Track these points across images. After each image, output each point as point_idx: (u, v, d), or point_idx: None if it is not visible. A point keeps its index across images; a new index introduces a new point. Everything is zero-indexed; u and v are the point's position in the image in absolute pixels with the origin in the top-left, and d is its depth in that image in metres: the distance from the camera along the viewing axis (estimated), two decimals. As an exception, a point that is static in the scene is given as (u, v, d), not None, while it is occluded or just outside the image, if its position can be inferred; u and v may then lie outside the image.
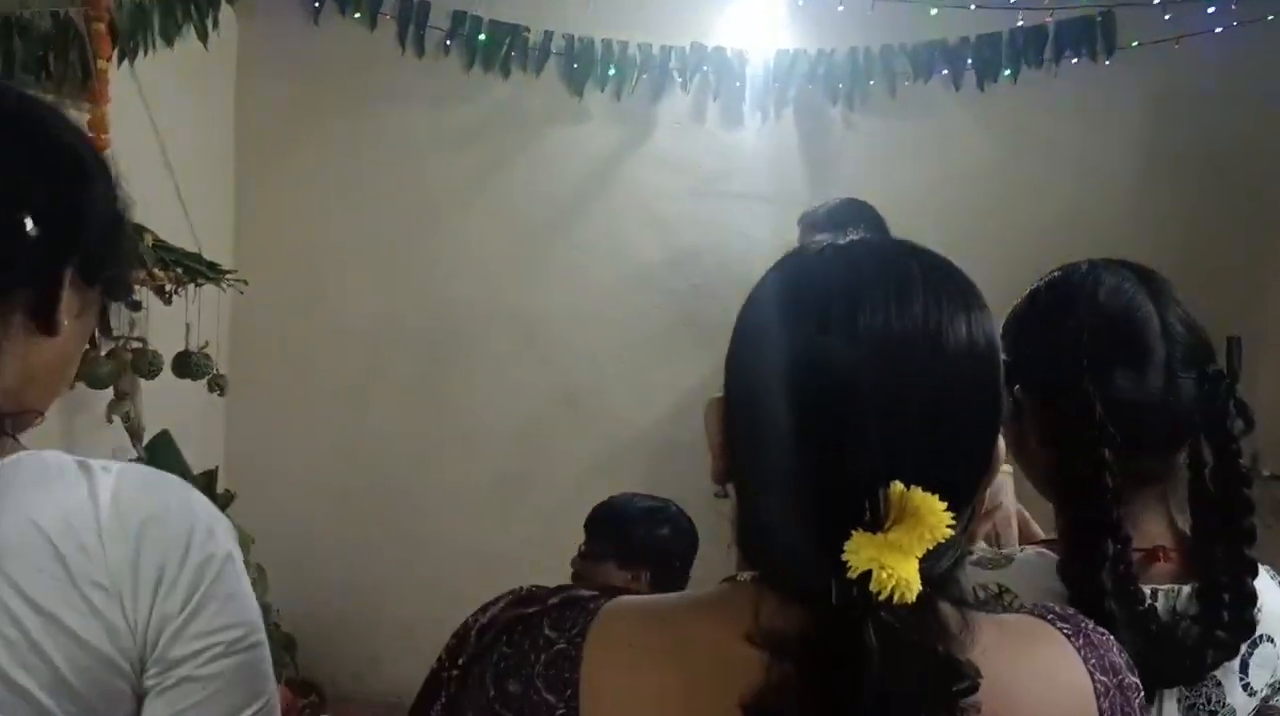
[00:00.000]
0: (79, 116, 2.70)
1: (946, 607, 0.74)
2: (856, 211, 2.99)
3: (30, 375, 0.88)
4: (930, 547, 0.68)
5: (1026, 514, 1.57)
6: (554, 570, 3.26)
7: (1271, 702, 1.17)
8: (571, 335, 3.72)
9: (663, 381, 3.69)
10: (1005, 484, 1.47)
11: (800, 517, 0.72)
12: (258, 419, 3.69)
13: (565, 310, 3.72)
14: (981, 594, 1.13)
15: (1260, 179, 3.32)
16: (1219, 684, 1.12)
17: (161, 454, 2.82)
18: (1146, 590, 1.11)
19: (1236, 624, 1.10)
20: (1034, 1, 3.38)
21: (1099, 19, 3.41)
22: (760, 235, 3.60)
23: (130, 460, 2.77)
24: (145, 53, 2.95)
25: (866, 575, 0.67)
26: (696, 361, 3.66)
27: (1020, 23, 3.43)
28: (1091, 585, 1.09)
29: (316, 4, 3.52)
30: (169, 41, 3.07)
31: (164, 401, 2.88)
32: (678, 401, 3.70)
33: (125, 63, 2.86)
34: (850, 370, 0.72)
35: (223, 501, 2.82)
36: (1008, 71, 3.48)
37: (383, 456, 3.76)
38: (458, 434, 3.76)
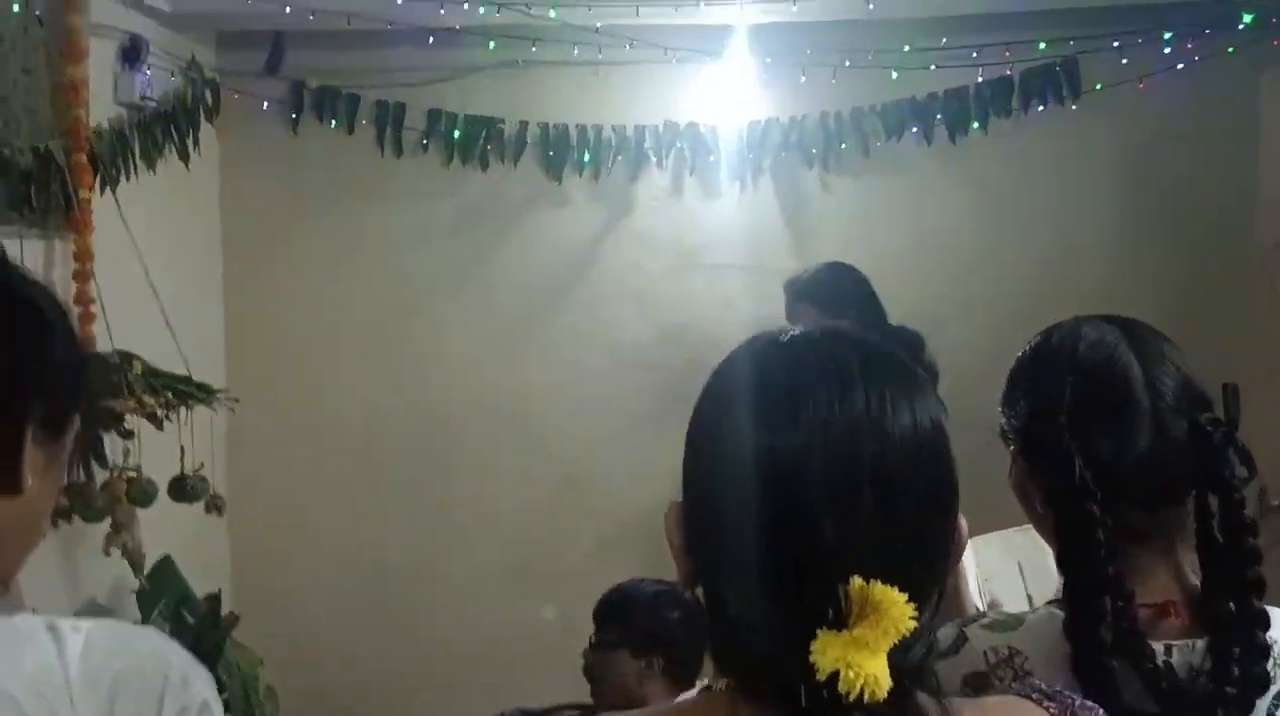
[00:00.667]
0: (63, 248, 2.74)
1: (924, 699, 0.74)
2: (841, 275, 3.00)
3: None
4: (897, 641, 0.68)
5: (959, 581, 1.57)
6: (563, 658, 3.25)
7: None
8: (564, 419, 3.71)
9: (660, 459, 3.59)
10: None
11: (765, 620, 0.72)
12: (260, 534, 3.67)
13: (557, 395, 3.71)
14: (992, 657, 1.12)
15: (1234, 207, 3.34)
16: None
17: (164, 580, 2.80)
18: (1160, 646, 1.10)
19: (1247, 678, 1.08)
20: (995, 54, 3.42)
21: (1061, 65, 3.46)
22: (746, 305, 3.62)
23: (134, 590, 2.75)
24: (127, 178, 2.98)
25: (836, 675, 0.66)
26: (693, 436, 3.64)
27: (981, 78, 3.47)
28: (1093, 642, 1.08)
29: (294, 115, 3.57)
30: (150, 165, 3.10)
31: (164, 526, 2.85)
32: (677, 477, 3.66)
33: (108, 190, 2.88)
34: (798, 467, 0.73)
35: (228, 624, 2.79)
36: (976, 124, 3.52)
37: (383, 557, 3.73)
38: (456, 527, 3.73)
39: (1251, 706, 1.09)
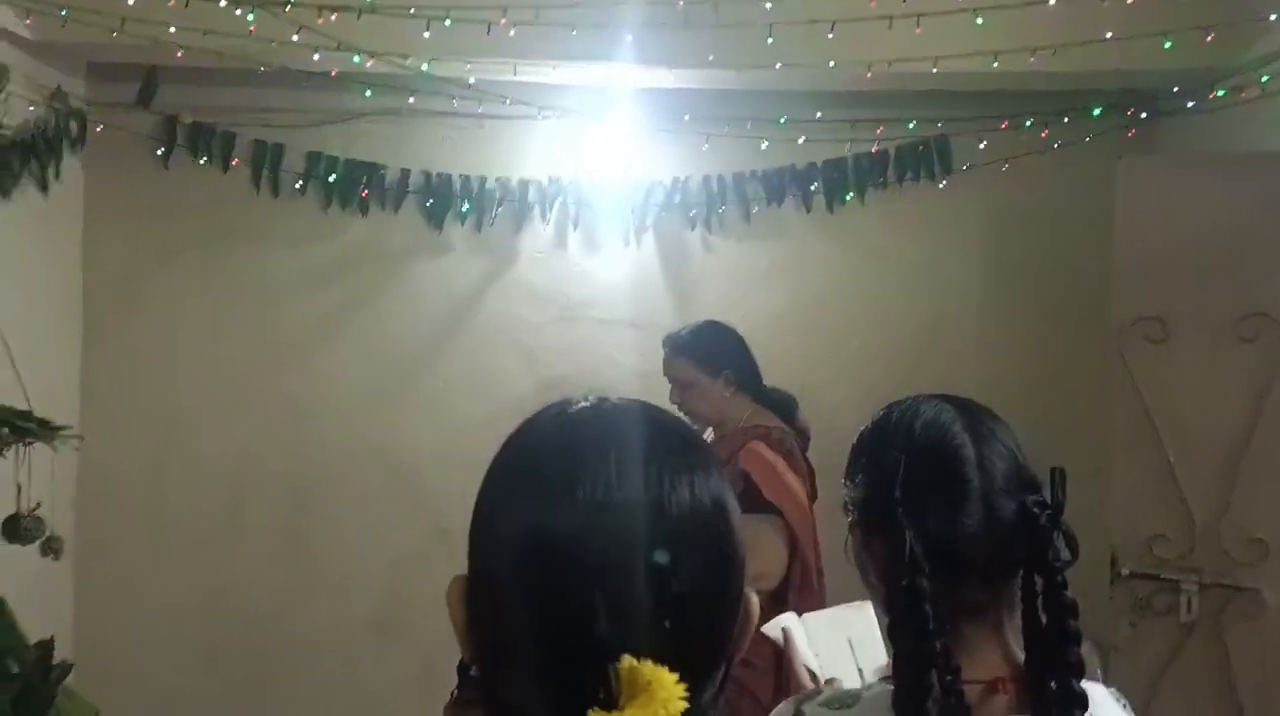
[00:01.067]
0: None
1: None
2: (718, 333, 3.03)
3: None
4: None
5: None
6: (434, 714, 3.12)
7: None
8: (442, 471, 3.65)
9: (538, 512, 3.62)
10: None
11: (536, 700, 0.71)
12: (111, 580, 3.52)
13: (434, 446, 3.66)
14: None
15: (1093, 282, 3.48)
16: None
17: (-8, 626, 2.64)
18: None
19: None
20: (867, 129, 3.54)
21: (934, 144, 3.58)
22: (628, 359, 3.63)
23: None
24: (-22, 206, 2.88)
25: None
26: (571, 490, 3.61)
27: (849, 148, 3.58)
28: None
29: (166, 151, 3.48)
30: (5, 194, 2.99)
31: (4, 568, 2.71)
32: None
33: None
34: (571, 543, 0.71)
35: (59, 673, 2.63)
36: (852, 194, 3.61)
37: (248, 608, 3.61)
38: (327, 579, 3.63)
39: None
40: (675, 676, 0.66)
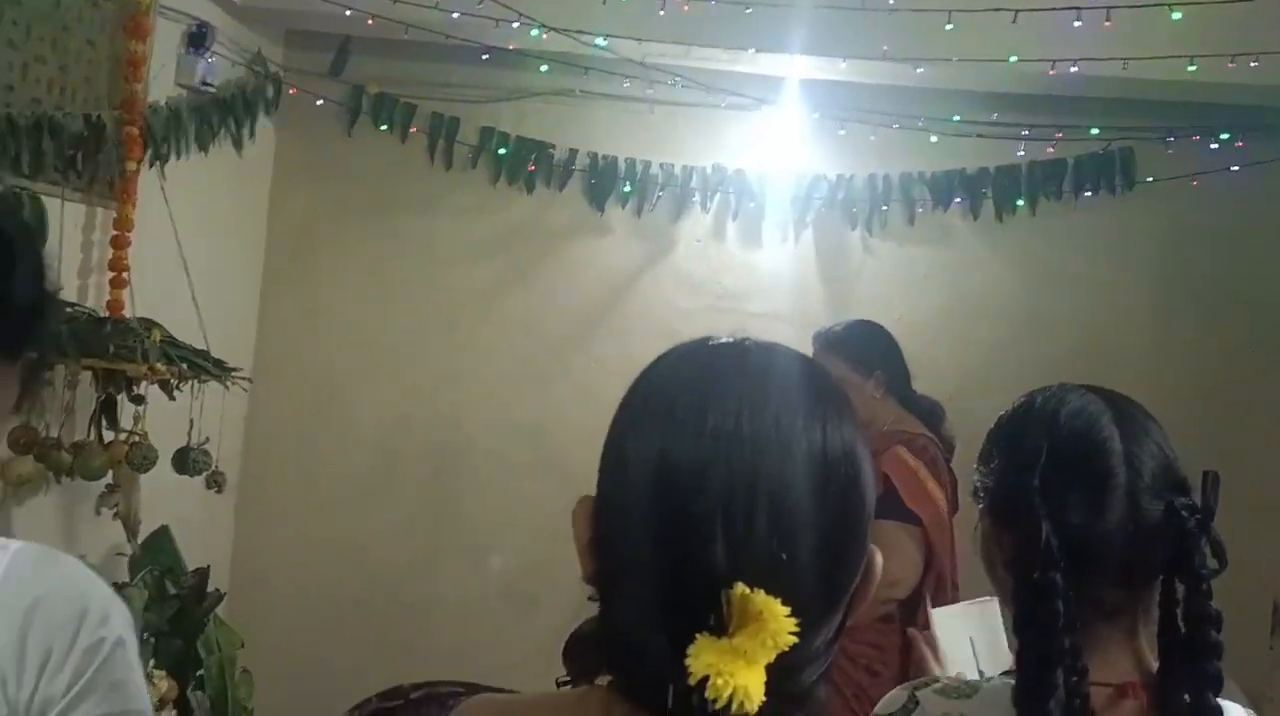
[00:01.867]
0: (104, 215, 2.82)
1: None
2: (872, 332, 2.99)
3: None
4: (777, 656, 0.66)
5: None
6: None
7: None
8: (584, 450, 3.62)
9: (675, 499, 3.64)
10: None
11: (650, 621, 0.71)
12: (266, 520, 3.71)
13: (579, 424, 3.71)
14: None
15: (1271, 313, 3.27)
16: None
17: (158, 549, 2.83)
18: None
19: None
20: (1044, 134, 3.41)
21: (1118, 155, 3.42)
22: (778, 355, 3.60)
23: (126, 555, 2.78)
24: (178, 157, 3.07)
25: (706, 681, 0.65)
26: (710, 479, 3.61)
27: (1021, 154, 3.45)
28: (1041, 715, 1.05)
29: (351, 118, 3.65)
30: (203, 148, 3.19)
31: (169, 499, 2.90)
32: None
33: (156, 165, 2.97)
34: (697, 472, 0.72)
35: (212, 601, 2.81)
36: (1023, 202, 3.49)
37: (388, 564, 3.74)
38: (466, 544, 3.74)
39: None
40: (787, 610, 0.67)
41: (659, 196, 3.66)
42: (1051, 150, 3.47)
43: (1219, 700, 1.10)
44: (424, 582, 3.72)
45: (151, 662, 2.48)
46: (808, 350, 3.47)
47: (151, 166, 2.93)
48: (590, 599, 0.82)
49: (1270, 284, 3.30)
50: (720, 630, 0.67)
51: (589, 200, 3.70)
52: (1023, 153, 3.46)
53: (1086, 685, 1.06)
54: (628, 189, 3.64)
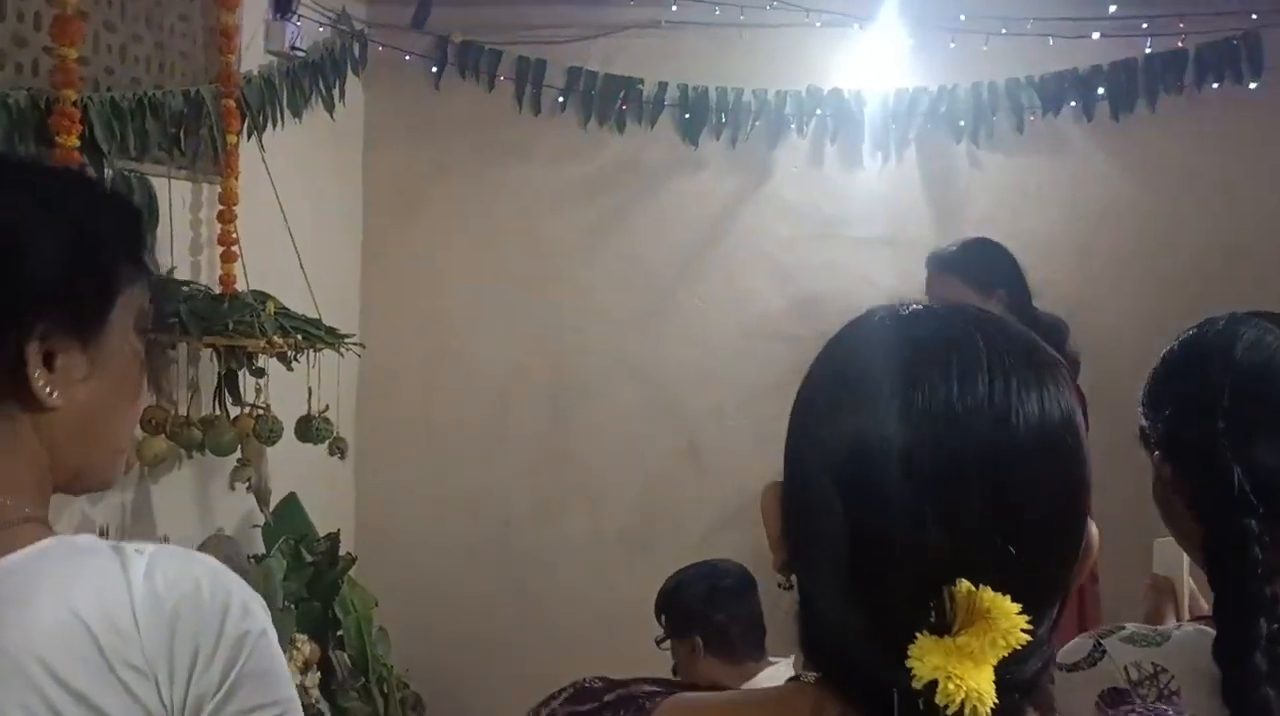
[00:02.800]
0: (210, 191, 2.84)
1: None
2: (991, 250, 2.89)
3: (44, 455, 0.89)
4: (1006, 654, 0.61)
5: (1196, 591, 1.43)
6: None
7: None
8: (694, 387, 3.68)
9: (785, 432, 3.60)
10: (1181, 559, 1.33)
11: (860, 618, 0.67)
12: (386, 480, 3.77)
13: (688, 362, 3.68)
14: (1134, 674, 1.05)
15: None
16: None
17: (288, 517, 2.89)
18: None
19: None
20: (1166, 25, 3.20)
21: (1241, 40, 3.20)
22: (885, 280, 3.51)
23: (260, 526, 2.85)
24: (274, 126, 3.07)
25: (933, 685, 0.61)
26: (821, 411, 3.56)
27: (1149, 49, 3.24)
28: (1247, 669, 0.99)
29: (437, 70, 3.60)
30: (297, 114, 3.19)
31: (292, 466, 2.95)
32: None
33: (255, 137, 2.97)
34: (906, 453, 0.66)
35: (345, 564, 2.86)
36: (1143, 100, 3.30)
37: (507, 511, 3.78)
38: (582, 488, 3.75)
39: None
40: (1017, 606, 0.62)
41: (754, 125, 3.55)
42: (1181, 44, 3.25)
43: None
44: (544, 528, 3.76)
45: (294, 628, 2.53)
46: (916, 273, 3.38)
47: (250, 137, 2.94)
48: (781, 586, 0.78)
49: None
50: (942, 628, 0.62)
51: (682, 134, 3.61)
52: (1150, 49, 3.25)
53: None
54: (724, 121, 3.54)
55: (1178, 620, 1.31)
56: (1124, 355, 3.22)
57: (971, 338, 0.69)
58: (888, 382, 0.68)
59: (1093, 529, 0.72)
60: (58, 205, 0.92)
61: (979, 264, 2.82)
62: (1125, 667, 1.05)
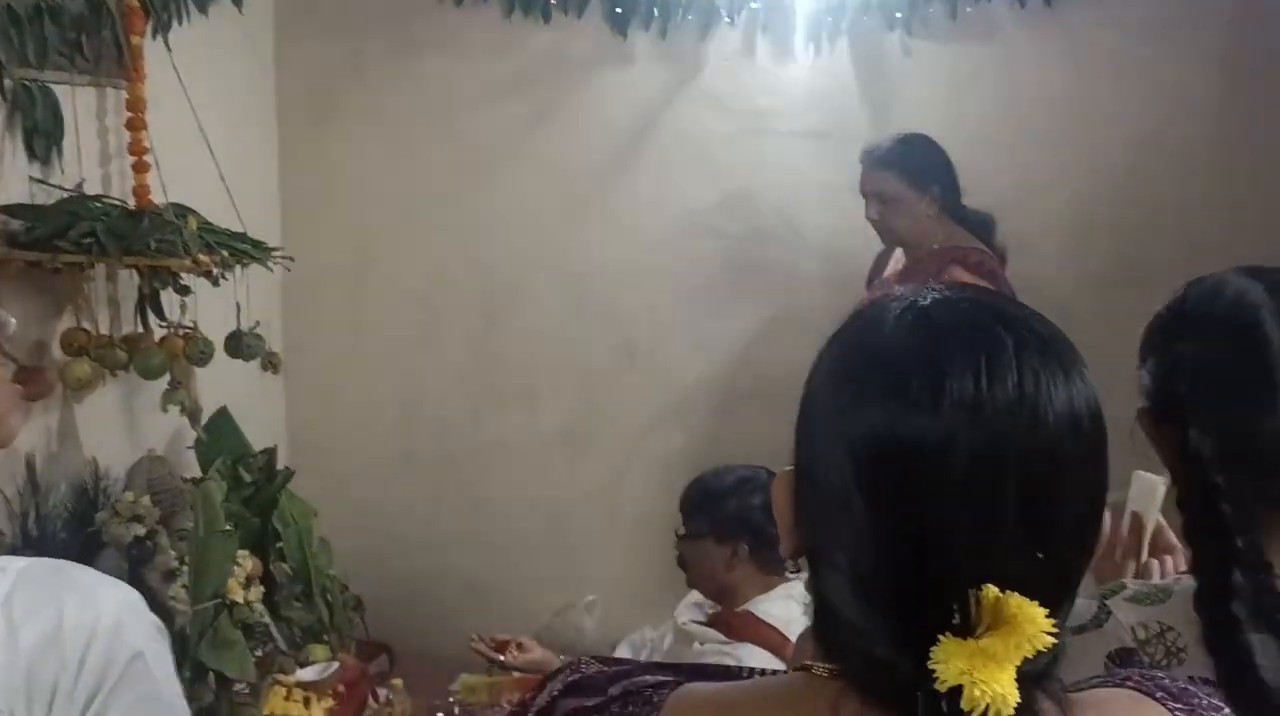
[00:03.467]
0: (116, 97, 2.67)
1: (1046, 707, 0.67)
2: (927, 147, 2.90)
3: None
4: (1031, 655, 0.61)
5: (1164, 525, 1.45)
6: (620, 521, 3.25)
7: None
8: (626, 286, 3.64)
9: (721, 329, 3.61)
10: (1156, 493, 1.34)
11: (881, 616, 0.66)
12: (316, 391, 3.70)
13: (619, 261, 3.64)
14: (1141, 633, 1.06)
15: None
16: None
17: (221, 432, 2.83)
18: None
19: None
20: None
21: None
22: (818, 175, 3.48)
23: (189, 446, 2.77)
24: (179, 22, 2.89)
25: (957, 688, 0.60)
26: (755, 307, 3.57)
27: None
28: (1224, 619, 1.02)
29: (350, -43, 3.42)
30: (203, 9, 3.00)
31: (220, 381, 2.87)
32: (737, 349, 3.62)
33: (160, 36, 2.79)
34: (935, 451, 0.64)
35: (283, 478, 2.82)
36: (1077, -14, 3.26)
37: (443, 416, 3.76)
38: (516, 390, 3.73)
39: None
40: (1044, 611, 0.61)
41: (685, 15, 3.45)
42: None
43: None
44: (482, 431, 3.74)
45: (237, 549, 2.50)
46: (849, 167, 3.35)
47: (155, 38, 2.76)
48: (789, 572, 0.77)
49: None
50: (966, 631, 0.62)
51: (610, 26, 3.49)
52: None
53: (1273, 580, 1.02)
54: (651, 10, 3.43)
55: (1138, 559, 1.34)
56: (1050, 247, 3.29)
57: (998, 329, 0.67)
58: (916, 375, 0.65)
59: (1106, 521, 0.71)
60: None
61: (915, 161, 2.82)
62: (1132, 627, 1.06)
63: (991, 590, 0.62)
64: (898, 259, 3.01)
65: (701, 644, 2.17)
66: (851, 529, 0.66)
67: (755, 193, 3.54)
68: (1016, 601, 0.61)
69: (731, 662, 2.04)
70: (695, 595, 2.43)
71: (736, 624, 2.17)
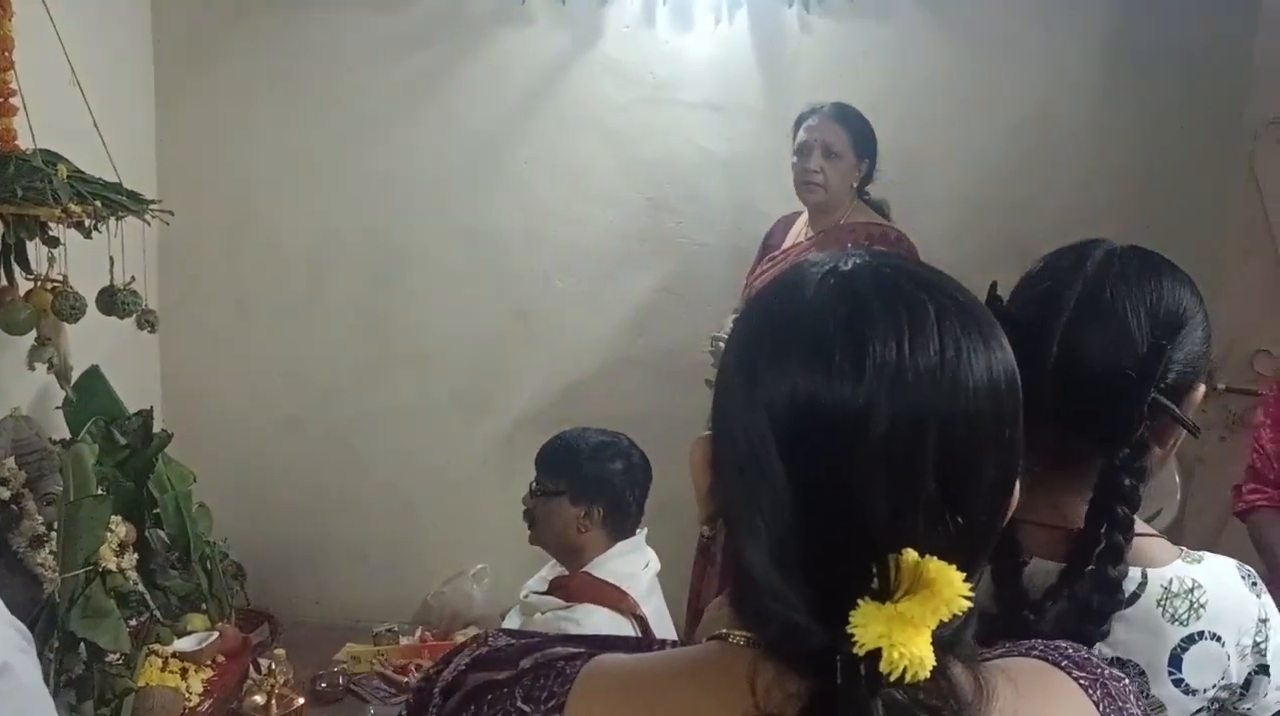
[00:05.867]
0: (-22, 34, 2.49)
1: (958, 671, 0.67)
2: (869, 125, 2.94)
3: None
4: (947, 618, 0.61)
5: None
6: (510, 488, 3.20)
7: (1237, 708, 1.14)
8: (521, 251, 3.60)
9: (616, 296, 3.60)
10: None
11: (798, 581, 0.65)
12: (193, 351, 3.56)
13: (514, 225, 3.59)
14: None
15: (1227, 77, 3.23)
16: (1141, 672, 1.09)
17: (91, 392, 2.69)
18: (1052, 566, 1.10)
19: (1085, 603, 1.07)
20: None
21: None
22: (713, 145, 3.49)
23: (58, 407, 2.63)
24: (49, -41, 2.71)
25: (876, 651, 0.60)
26: (650, 275, 3.57)
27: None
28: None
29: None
30: (75, -54, 2.82)
31: (90, 339, 2.72)
32: (631, 316, 3.62)
33: (27, -29, 2.62)
34: (856, 416, 0.63)
35: (160, 442, 2.70)
36: (971, -31, 3.33)
37: (329, 379, 3.66)
38: (408, 354, 3.66)
39: (1086, 633, 1.06)
40: (962, 575, 0.61)
41: (585, -21, 3.40)
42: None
43: (1210, 557, 1.14)
44: (371, 395, 3.66)
45: (110, 513, 2.38)
46: (744, 138, 3.36)
47: (22, -28, 2.59)
48: (705, 537, 0.75)
49: (1218, 50, 3.23)
50: (884, 595, 0.62)
51: (509, -14, 3.42)
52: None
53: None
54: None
55: None
56: (939, 225, 3.36)
57: (920, 296, 0.67)
58: (839, 340, 0.65)
59: (1017, 489, 0.72)
60: None
61: (864, 130, 2.91)
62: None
63: (911, 554, 0.62)
64: (798, 232, 3.03)
65: (543, 613, 2.16)
66: (770, 494, 0.65)
67: (652, 161, 3.53)
68: (935, 566, 0.61)
69: (571, 627, 2.04)
70: (545, 570, 2.43)
71: (574, 586, 2.17)
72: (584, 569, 2.21)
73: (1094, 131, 3.38)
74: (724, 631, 0.72)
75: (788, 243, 3.06)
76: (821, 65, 3.45)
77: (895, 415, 0.63)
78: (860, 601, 0.61)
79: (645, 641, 0.85)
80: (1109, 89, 3.38)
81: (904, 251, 2.81)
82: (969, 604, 0.62)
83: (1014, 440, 0.68)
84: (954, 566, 0.62)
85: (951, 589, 0.61)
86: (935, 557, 0.62)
